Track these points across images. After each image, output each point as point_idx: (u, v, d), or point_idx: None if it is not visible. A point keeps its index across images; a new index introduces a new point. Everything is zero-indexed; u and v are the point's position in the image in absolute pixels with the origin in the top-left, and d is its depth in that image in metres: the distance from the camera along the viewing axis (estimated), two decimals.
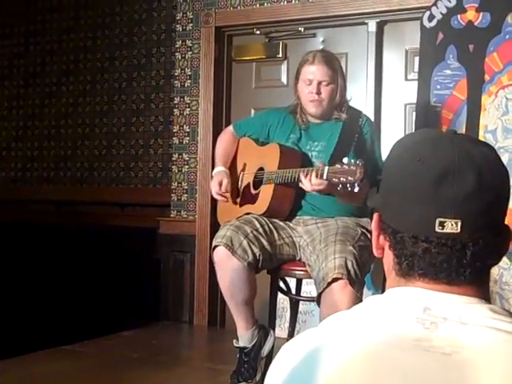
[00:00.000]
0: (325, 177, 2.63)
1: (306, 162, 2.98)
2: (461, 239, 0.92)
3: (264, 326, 3.06)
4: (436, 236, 0.93)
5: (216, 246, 2.88)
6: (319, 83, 2.96)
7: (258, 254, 2.86)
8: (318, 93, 2.96)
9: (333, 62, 3.01)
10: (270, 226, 2.97)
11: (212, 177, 3.28)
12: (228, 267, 2.87)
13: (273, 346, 3.01)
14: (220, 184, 3.09)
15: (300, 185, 2.79)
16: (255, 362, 3.03)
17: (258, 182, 3.10)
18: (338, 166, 2.59)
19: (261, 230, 2.92)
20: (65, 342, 3.81)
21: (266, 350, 3.03)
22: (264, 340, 3.04)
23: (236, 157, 3.25)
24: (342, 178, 2.56)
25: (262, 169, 3.10)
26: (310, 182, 2.72)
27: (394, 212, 0.98)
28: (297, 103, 3.10)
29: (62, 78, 6.04)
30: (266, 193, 3.01)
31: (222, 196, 3.12)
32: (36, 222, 5.53)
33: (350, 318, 0.96)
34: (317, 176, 2.69)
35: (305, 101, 3.02)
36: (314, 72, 2.97)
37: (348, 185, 2.56)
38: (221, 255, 2.87)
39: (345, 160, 2.58)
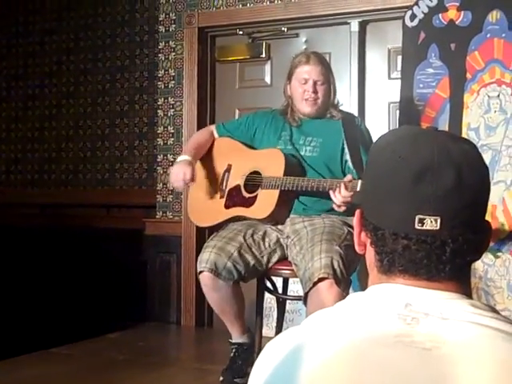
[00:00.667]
0: (358, 189, 2.62)
1: (304, 171, 2.98)
2: (440, 236, 0.93)
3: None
4: (416, 233, 0.94)
5: (201, 272, 2.86)
6: (315, 82, 2.99)
7: (243, 272, 2.86)
8: (315, 91, 3.00)
9: (326, 63, 3.10)
10: (255, 237, 2.93)
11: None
12: (215, 289, 2.89)
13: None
14: (190, 172, 2.97)
15: (335, 201, 2.72)
16: (248, 362, 3.04)
17: (251, 186, 3.06)
18: None
19: (245, 245, 2.89)
20: (51, 344, 3.80)
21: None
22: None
23: (213, 155, 3.20)
24: None
25: (255, 172, 3.06)
26: (340, 195, 2.68)
27: (375, 209, 0.99)
28: (287, 104, 3.10)
29: (45, 80, 6.01)
30: (268, 198, 2.96)
31: (185, 184, 3.02)
32: (21, 226, 5.50)
33: (333, 315, 0.97)
34: (346, 189, 2.67)
35: (298, 100, 3.03)
36: (309, 71, 3.00)
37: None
38: (207, 280, 2.87)
39: None
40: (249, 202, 3.03)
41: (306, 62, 3.02)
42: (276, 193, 2.93)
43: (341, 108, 3.15)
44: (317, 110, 3.04)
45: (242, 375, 3.02)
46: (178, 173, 2.98)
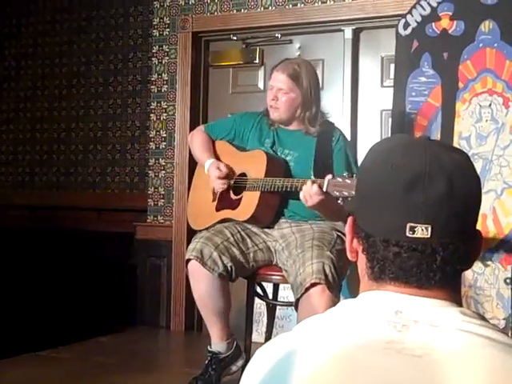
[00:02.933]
0: (325, 189, 2.59)
1: (289, 172, 2.99)
2: (431, 244, 0.94)
3: (239, 345, 3.07)
4: (407, 240, 0.94)
5: (188, 260, 2.90)
6: (278, 90, 3.00)
7: (228, 265, 2.87)
8: (275, 99, 3.01)
9: (297, 72, 3.00)
10: (242, 233, 2.97)
11: (198, 172, 3.27)
12: (200, 279, 2.89)
13: (242, 367, 3.00)
14: (218, 169, 3.06)
15: (301, 197, 2.71)
16: (221, 373, 3.02)
17: (238, 188, 3.08)
18: (339, 179, 2.55)
19: (232, 239, 2.92)
20: (40, 347, 3.79)
21: (234, 367, 3.04)
22: (236, 358, 3.05)
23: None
24: (344, 192, 2.52)
25: (243, 174, 3.09)
26: (309, 193, 2.66)
27: (367, 216, 1.00)
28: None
29: (38, 82, 6.00)
30: (250, 199, 2.98)
31: (224, 178, 3.06)
32: (11, 228, 5.48)
33: (324, 321, 0.98)
34: (312, 183, 2.65)
35: (268, 106, 3.07)
36: (274, 78, 3.03)
37: (350, 199, 2.53)
38: (193, 268, 2.90)
39: (345, 174, 2.57)
40: (235, 205, 3.07)
41: (277, 68, 3.04)
42: (257, 194, 2.96)
43: (328, 119, 3.11)
44: (279, 118, 3.04)
45: None
46: (214, 173, 3.06)
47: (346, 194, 2.52)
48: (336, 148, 2.99)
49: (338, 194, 2.54)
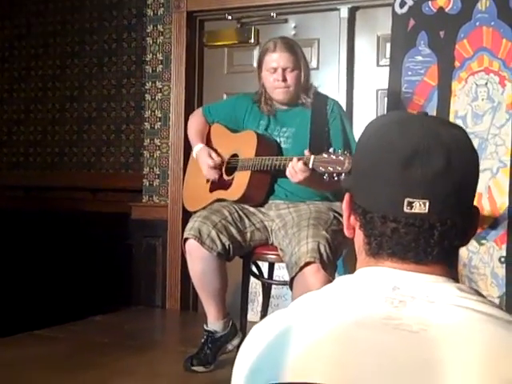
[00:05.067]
0: (310, 165, 2.61)
1: (280, 151, 2.99)
2: (429, 219, 0.94)
3: (235, 323, 3.08)
4: (404, 216, 0.94)
5: (186, 239, 2.91)
6: (284, 70, 2.97)
7: (227, 244, 2.87)
8: (284, 80, 2.97)
9: (295, 48, 3.02)
10: (240, 213, 2.98)
11: (191, 157, 3.27)
12: (198, 258, 2.90)
13: (238, 346, 3.02)
14: (210, 156, 3.10)
15: (287, 173, 2.72)
16: (217, 352, 3.05)
17: (231, 169, 3.09)
18: (324, 155, 2.57)
19: (230, 218, 2.93)
20: (36, 327, 3.79)
21: (230, 346, 3.06)
22: (232, 337, 3.06)
23: (207, 143, 3.25)
24: (329, 168, 2.54)
25: (235, 155, 3.09)
26: (294, 170, 2.68)
27: (365, 192, 0.99)
28: (261, 92, 3.09)
29: (31, 62, 5.97)
30: (241, 179, 3.00)
31: (216, 168, 3.10)
32: (5, 208, 5.47)
33: (320, 298, 0.98)
34: (298, 160, 2.67)
35: (271, 89, 3.02)
36: (277, 59, 2.97)
37: (335, 174, 2.54)
38: (191, 247, 2.90)
39: (331, 149, 2.58)
40: (227, 185, 3.09)
41: (273, 49, 2.98)
42: (248, 174, 2.97)
43: (318, 90, 3.10)
44: (289, 97, 3.02)
45: (206, 363, 3.03)
46: (206, 160, 3.10)
47: (331, 169, 2.53)
48: (331, 117, 2.99)
49: (323, 169, 2.56)
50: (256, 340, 0.98)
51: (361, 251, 1.02)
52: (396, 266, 0.96)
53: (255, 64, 4.43)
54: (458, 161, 0.94)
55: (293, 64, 2.97)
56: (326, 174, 2.55)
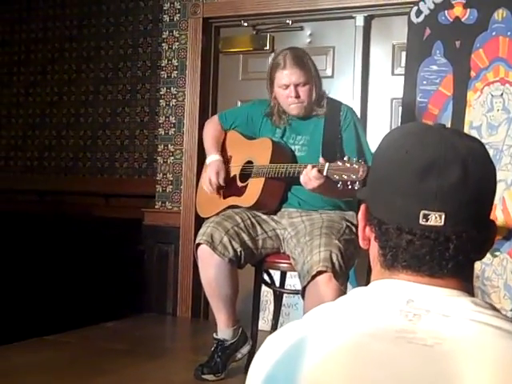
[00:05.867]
0: (324, 173, 2.60)
1: (295, 158, 2.98)
2: (444, 232, 0.93)
3: (245, 331, 3.08)
4: (420, 228, 0.93)
5: (198, 244, 2.91)
6: (296, 86, 2.95)
7: (238, 250, 2.87)
8: (297, 96, 2.96)
9: (304, 61, 2.99)
10: (253, 220, 2.97)
11: (205, 165, 3.25)
12: (210, 264, 2.89)
13: (248, 353, 3.02)
14: (217, 174, 3.09)
15: (301, 180, 2.72)
16: (227, 359, 3.03)
17: (245, 175, 3.09)
18: (339, 163, 2.56)
19: (242, 225, 2.93)
20: (48, 332, 3.80)
21: (240, 355, 3.04)
22: (242, 345, 3.05)
23: (222, 150, 3.24)
24: (344, 176, 2.53)
25: (250, 162, 3.09)
26: (308, 177, 2.67)
27: (381, 203, 0.98)
28: (274, 105, 3.07)
29: (47, 66, 6.01)
30: (255, 186, 3.00)
31: (214, 189, 3.10)
32: (20, 212, 5.50)
33: (334, 309, 0.97)
34: (312, 168, 2.66)
35: (285, 104, 3.01)
36: (288, 76, 2.95)
37: (349, 182, 2.54)
38: (203, 252, 2.90)
39: (345, 158, 2.57)
40: (241, 191, 3.08)
41: (284, 66, 2.95)
42: (262, 181, 2.96)
43: (330, 96, 3.09)
44: (304, 112, 3.02)
45: (216, 372, 3.01)
46: (212, 174, 3.09)
47: (345, 177, 2.52)
48: (345, 124, 2.99)
49: (337, 177, 2.55)
50: (271, 350, 0.98)
51: (375, 263, 1.01)
52: (411, 279, 0.95)
53: None
54: (475, 173, 0.94)
55: (304, 79, 2.95)
56: (340, 182, 2.54)
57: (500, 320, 0.92)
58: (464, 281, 0.96)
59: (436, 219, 0.92)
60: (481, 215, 0.97)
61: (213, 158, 3.17)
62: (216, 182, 3.09)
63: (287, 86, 2.96)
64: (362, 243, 1.04)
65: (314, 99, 3.00)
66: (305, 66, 2.97)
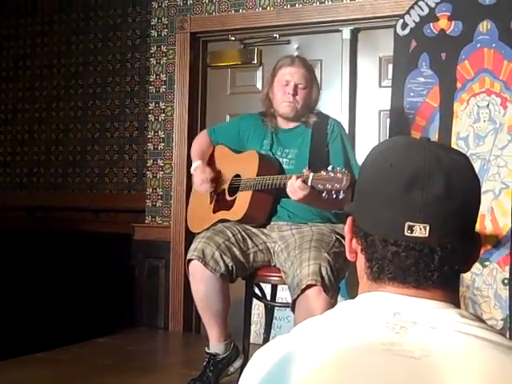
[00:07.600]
0: (309, 183, 2.61)
1: (282, 170, 2.99)
2: (429, 243, 0.94)
3: (237, 345, 3.07)
4: (405, 240, 0.94)
5: (190, 260, 2.89)
6: (296, 85, 2.98)
7: (230, 265, 2.86)
8: (294, 94, 2.98)
9: (310, 68, 3.06)
10: (243, 234, 2.97)
11: (192, 174, 3.26)
12: (201, 279, 2.88)
13: (240, 367, 3.00)
14: (204, 172, 3.11)
15: (287, 191, 2.73)
16: (220, 374, 3.02)
17: (233, 189, 3.09)
18: (323, 172, 2.57)
19: (233, 239, 2.92)
20: (38, 349, 3.78)
21: (232, 369, 3.04)
22: (234, 359, 3.05)
23: (210, 164, 3.25)
24: (327, 185, 2.54)
25: (238, 176, 3.10)
26: (293, 187, 2.68)
27: (366, 215, 1.00)
28: (267, 106, 3.10)
29: (36, 82, 6.00)
30: (243, 199, 3.00)
31: (208, 181, 3.11)
32: (9, 228, 5.47)
33: (322, 323, 0.97)
34: (297, 178, 2.67)
35: (278, 102, 3.03)
36: (292, 73, 2.99)
37: (333, 192, 2.55)
38: (194, 268, 2.89)
39: (329, 167, 2.58)
40: (230, 205, 3.09)
41: (291, 64, 3.01)
42: (249, 194, 2.97)
43: (319, 110, 3.12)
44: (294, 114, 3.03)
45: None
46: (199, 176, 3.12)
47: (329, 187, 2.53)
48: (331, 137, 3.00)
49: (322, 187, 2.56)
50: (259, 364, 0.98)
51: (362, 275, 1.01)
52: (397, 291, 0.96)
53: (258, 85, 4.49)
54: (459, 186, 0.95)
55: (306, 81, 3.00)
56: (325, 192, 2.56)
57: (486, 331, 0.93)
58: (450, 292, 0.97)
59: (421, 230, 0.93)
60: (465, 227, 0.98)
61: (196, 163, 3.18)
62: (207, 177, 3.09)
63: (288, 83, 2.99)
64: (349, 256, 1.05)
65: (307, 105, 3.02)
66: (310, 72, 3.04)
